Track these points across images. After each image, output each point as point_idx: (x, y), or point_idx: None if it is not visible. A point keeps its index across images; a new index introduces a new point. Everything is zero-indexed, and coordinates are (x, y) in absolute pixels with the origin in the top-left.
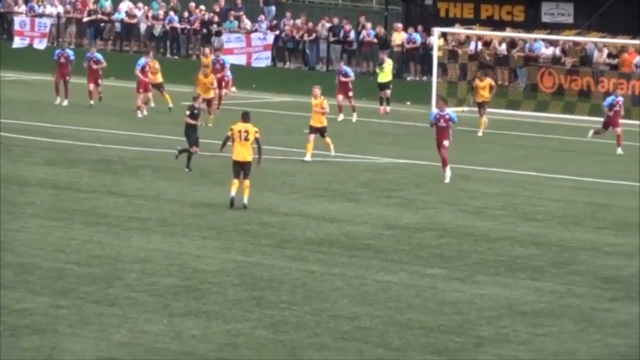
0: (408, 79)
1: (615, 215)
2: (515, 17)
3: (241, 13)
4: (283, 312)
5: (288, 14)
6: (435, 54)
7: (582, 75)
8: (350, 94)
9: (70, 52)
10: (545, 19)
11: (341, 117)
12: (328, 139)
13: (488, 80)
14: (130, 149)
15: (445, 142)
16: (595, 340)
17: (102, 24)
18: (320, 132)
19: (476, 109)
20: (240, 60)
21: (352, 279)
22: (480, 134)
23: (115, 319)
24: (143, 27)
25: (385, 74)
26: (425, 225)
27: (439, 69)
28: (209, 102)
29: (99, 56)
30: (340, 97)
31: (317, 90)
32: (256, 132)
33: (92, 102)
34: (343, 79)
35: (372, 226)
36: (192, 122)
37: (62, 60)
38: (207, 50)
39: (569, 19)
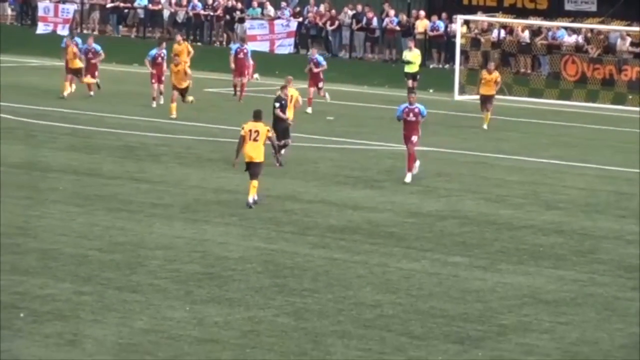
0: (431, 66)
1: (638, 203)
2: (539, 5)
3: (265, 0)
4: (305, 299)
5: (311, 1)
6: (458, 41)
7: (605, 64)
8: (321, 84)
9: (79, 40)
10: (568, 7)
11: (310, 109)
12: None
13: (495, 74)
14: (153, 134)
15: (414, 138)
16: (618, 329)
17: (126, 11)
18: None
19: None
20: (264, 47)
21: (375, 267)
22: (485, 127)
23: (138, 306)
24: (166, 13)
25: (414, 64)
26: (447, 213)
27: (461, 56)
28: (182, 91)
29: (98, 47)
30: (312, 89)
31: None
32: (268, 131)
33: (92, 92)
34: (315, 69)
35: (395, 214)
36: (282, 115)
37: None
38: (178, 37)
39: (592, 7)
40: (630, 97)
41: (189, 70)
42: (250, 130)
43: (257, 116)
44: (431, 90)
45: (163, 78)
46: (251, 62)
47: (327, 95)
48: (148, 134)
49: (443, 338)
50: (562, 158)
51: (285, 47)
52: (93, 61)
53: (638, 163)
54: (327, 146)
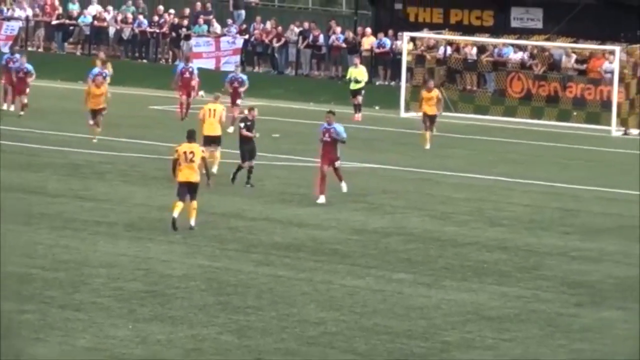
0: (377, 83)
1: (583, 220)
2: (485, 22)
3: (211, 17)
4: (249, 317)
5: (258, 18)
6: (405, 58)
7: (550, 81)
8: (239, 101)
9: (17, 57)
10: (514, 24)
11: (231, 129)
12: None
13: (435, 92)
14: (98, 152)
15: (337, 163)
16: (561, 346)
17: (71, 28)
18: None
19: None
20: (209, 64)
21: (319, 284)
22: (427, 147)
23: (81, 324)
24: (112, 30)
25: (359, 82)
26: (392, 230)
27: (407, 73)
28: (95, 113)
29: (29, 67)
30: (236, 109)
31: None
32: (203, 151)
33: (22, 112)
34: (240, 88)
35: (339, 231)
36: (249, 134)
37: (11, 65)
38: (102, 54)
39: (538, 24)
40: (575, 113)
41: (109, 93)
42: (184, 152)
43: (190, 137)
44: (377, 107)
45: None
46: (197, 79)
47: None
48: (93, 151)
49: (387, 355)
50: (508, 175)
51: (231, 64)
52: (24, 79)
53: (583, 180)
54: (273, 163)
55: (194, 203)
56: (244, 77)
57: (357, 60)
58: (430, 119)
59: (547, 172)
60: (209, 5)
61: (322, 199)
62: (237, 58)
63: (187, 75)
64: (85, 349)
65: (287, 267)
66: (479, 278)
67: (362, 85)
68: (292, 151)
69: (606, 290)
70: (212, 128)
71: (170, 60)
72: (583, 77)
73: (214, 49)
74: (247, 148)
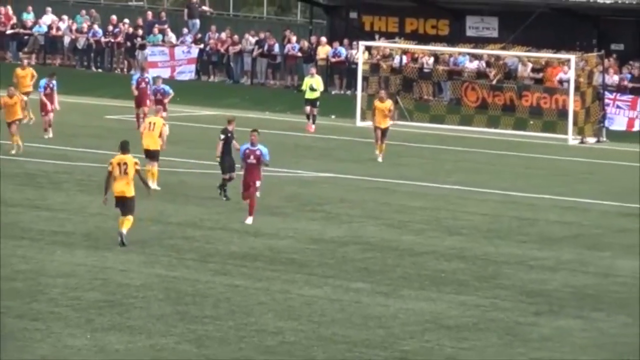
0: (333, 92)
1: (540, 229)
2: (440, 31)
3: (165, 26)
4: (207, 326)
5: (213, 27)
6: (360, 68)
7: (505, 90)
8: (165, 114)
9: None
10: (470, 32)
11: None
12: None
13: (388, 103)
14: (54, 162)
15: (257, 183)
16: (520, 354)
17: (26, 37)
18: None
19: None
20: (164, 73)
21: (277, 293)
22: (380, 160)
23: (38, 334)
24: (67, 40)
25: (315, 91)
26: (349, 239)
27: (363, 82)
28: (10, 125)
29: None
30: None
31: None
32: (136, 163)
33: None
34: (163, 99)
35: (297, 240)
36: (236, 146)
37: None
38: (25, 60)
39: (494, 32)
40: (531, 122)
41: (26, 103)
42: (118, 164)
43: (123, 148)
44: (333, 117)
45: (52, 108)
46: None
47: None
48: (48, 161)
49: None
50: (465, 184)
51: (186, 73)
52: None
53: (540, 188)
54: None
55: (130, 217)
56: (167, 87)
57: (313, 70)
58: (382, 132)
59: (504, 181)
60: (163, 14)
61: (249, 220)
62: (193, 67)
63: (142, 85)
64: (44, 359)
65: (245, 276)
66: (437, 287)
67: (317, 94)
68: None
69: (564, 299)
70: (151, 142)
71: (125, 69)
72: (539, 85)
73: (168, 58)
74: (228, 160)
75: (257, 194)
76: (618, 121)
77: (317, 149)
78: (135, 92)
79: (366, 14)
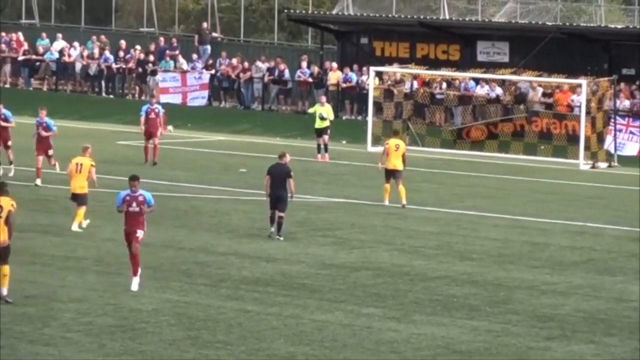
0: (344, 117)
1: (551, 254)
2: (451, 56)
3: (177, 52)
4: (219, 351)
5: (223, 53)
6: (371, 93)
7: (515, 113)
8: (51, 152)
9: None
10: (480, 57)
11: (39, 181)
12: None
13: (402, 148)
14: (65, 188)
15: (139, 232)
16: None
17: (37, 63)
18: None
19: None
20: (176, 99)
21: (288, 319)
22: (404, 202)
23: (51, 359)
24: (78, 66)
25: (324, 120)
26: (361, 264)
27: (374, 108)
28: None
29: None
30: (41, 157)
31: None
32: (12, 205)
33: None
34: (44, 133)
35: (308, 265)
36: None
37: None
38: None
39: (505, 57)
40: (542, 147)
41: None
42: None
43: (2, 190)
44: (344, 142)
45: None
46: (161, 114)
47: (57, 165)
48: (60, 187)
49: None
50: (476, 208)
51: (198, 99)
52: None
53: (551, 213)
54: (240, 198)
55: (6, 268)
56: (50, 121)
57: (323, 99)
58: (396, 174)
59: (515, 206)
60: (174, 40)
61: (135, 285)
62: (205, 93)
63: (152, 116)
64: None
65: (256, 301)
66: (448, 312)
67: (327, 123)
68: (259, 186)
69: (576, 324)
70: (78, 185)
71: (137, 95)
72: (549, 111)
73: (180, 84)
74: (275, 196)
75: (140, 234)
76: (629, 147)
77: (328, 174)
78: (143, 127)
79: (377, 40)
